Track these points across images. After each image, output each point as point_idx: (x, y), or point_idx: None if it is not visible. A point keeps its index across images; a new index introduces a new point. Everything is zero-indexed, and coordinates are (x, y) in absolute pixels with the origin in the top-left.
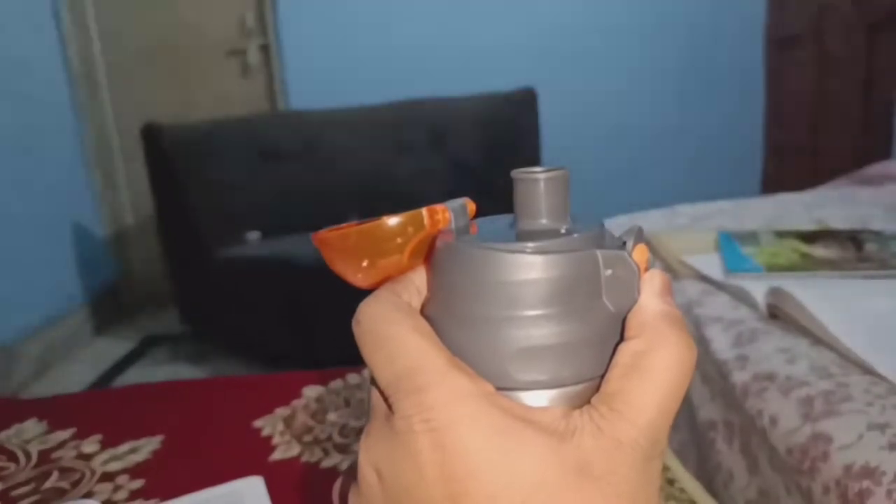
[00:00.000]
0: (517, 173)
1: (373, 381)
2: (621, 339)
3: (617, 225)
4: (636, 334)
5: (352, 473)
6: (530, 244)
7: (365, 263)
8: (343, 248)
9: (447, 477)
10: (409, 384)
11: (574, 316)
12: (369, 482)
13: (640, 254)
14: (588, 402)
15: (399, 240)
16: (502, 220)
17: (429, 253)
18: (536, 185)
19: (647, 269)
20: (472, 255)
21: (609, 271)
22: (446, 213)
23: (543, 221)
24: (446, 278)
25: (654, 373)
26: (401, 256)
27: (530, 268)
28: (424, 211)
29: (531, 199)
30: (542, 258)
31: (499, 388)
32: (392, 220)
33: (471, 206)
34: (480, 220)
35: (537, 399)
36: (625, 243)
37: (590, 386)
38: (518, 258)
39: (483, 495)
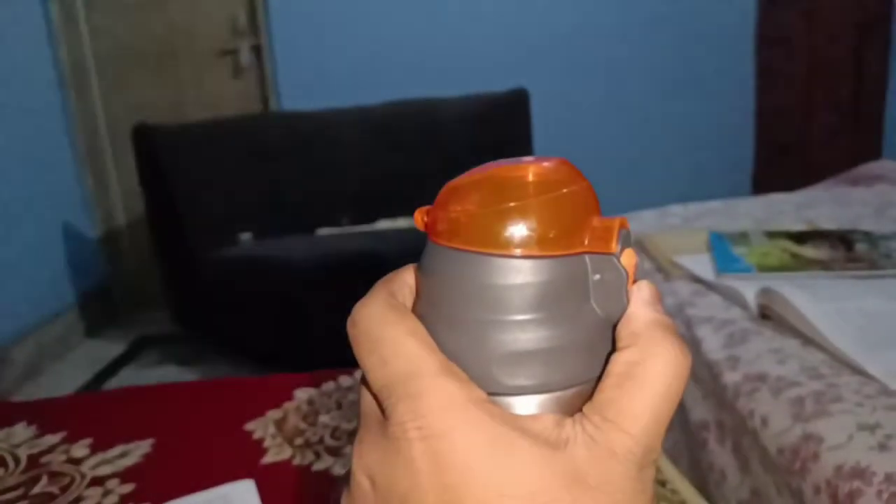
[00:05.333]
0: None
1: (364, 382)
2: (613, 347)
3: None
4: (629, 344)
5: (345, 480)
6: (518, 248)
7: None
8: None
9: (441, 484)
10: (403, 390)
11: (562, 320)
12: (363, 489)
13: (627, 258)
14: (578, 408)
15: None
16: None
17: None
18: None
19: (635, 273)
20: (461, 259)
21: (597, 275)
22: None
23: None
24: (435, 281)
25: (647, 381)
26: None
27: (518, 272)
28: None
29: None
30: (530, 262)
31: (489, 394)
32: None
33: None
34: None
35: (526, 404)
36: None
37: (579, 391)
38: (506, 262)
39: (477, 503)
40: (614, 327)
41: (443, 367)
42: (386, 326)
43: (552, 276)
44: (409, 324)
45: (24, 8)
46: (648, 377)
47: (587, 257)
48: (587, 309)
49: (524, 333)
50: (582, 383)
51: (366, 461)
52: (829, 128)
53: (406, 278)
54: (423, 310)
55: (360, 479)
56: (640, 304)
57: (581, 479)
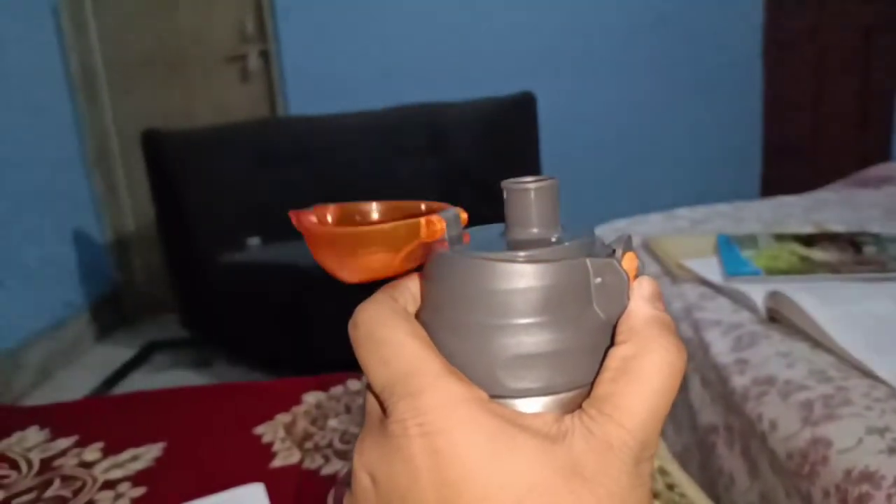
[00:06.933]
0: (507, 183)
1: (368, 385)
2: (612, 345)
3: (616, 229)
4: (626, 339)
5: (346, 479)
6: (521, 253)
7: (352, 260)
8: (331, 243)
9: (441, 481)
10: (403, 388)
11: (565, 324)
12: (363, 486)
13: (629, 261)
14: (580, 407)
15: (392, 243)
16: (494, 229)
17: (423, 258)
18: (527, 194)
19: (636, 277)
20: (465, 265)
21: (599, 279)
22: (442, 223)
23: (534, 230)
24: (439, 287)
25: (643, 376)
26: (393, 256)
27: (521, 277)
28: (423, 221)
29: (522, 208)
30: (532, 267)
31: (492, 396)
32: (388, 226)
33: (463, 216)
34: (473, 229)
35: (530, 406)
36: (614, 251)
37: (581, 393)
38: (509, 267)
39: (476, 499)
40: (615, 327)
41: (444, 367)
42: (387, 329)
43: (555, 280)
44: (411, 326)
45: (35, 16)
46: (644, 372)
47: (588, 261)
48: (589, 312)
49: (528, 337)
50: (584, 385)
51: (366, 459)
52: (837, 130)
53: (409, 284)
54: (427, 315)
55: (361, 477)
56: (640, 300)
57: (579, 471)
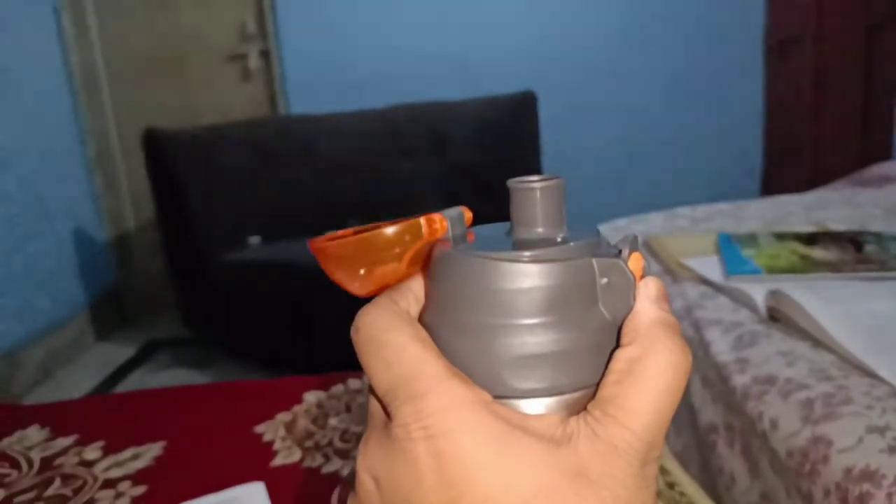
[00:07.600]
0: (513, 182)
1: (371, 389)
2: (618, 346)
3: (617, 228)
4: (631, 340)
5: (350, 481)
6: (526, 253)
7: (362, 272)
8: (340, 256)
9: (445, 484)
10: (406, 392)
11: (570, 324)
12: (367, 489)
13: (635, 262)
14: (585, 409)
15: (397, 249)
16: (499, 228)
17: (426, 261)
18: (532, 194)
19: (642, 277)
20: (469, 264)
21: (605, 279)
22: (443, 222)
23: (539, 230)
24: (443, 287)
25: (648, 378)
26: (398, 264)
27: (526, 276)
28: (422, 220)
29: (527, 207)
30: (538, 267)
31: (496, 397)
32: (390, 230)
33: (468, 215)
34: (477, 228)
35: (534, 407)
36: (620, 251)
37: (587, 393)
38: (514, 267)
39: (480, 501)
40: (620, 328)
41: (446, 369)
42: (389, 332)
43: (560, 280)
44: (413, 329)
45: (37, 16)
46: (649, 374)
47: (594, 261)
48: (595, 312)
49: (533, 337)
50: (590, 385)
51: (369, 461)
52: (838, 129)
53: (411, 285)
54: (431, 315)
55: (365, 479)
56: (645, 301)
57: (584, 473)
